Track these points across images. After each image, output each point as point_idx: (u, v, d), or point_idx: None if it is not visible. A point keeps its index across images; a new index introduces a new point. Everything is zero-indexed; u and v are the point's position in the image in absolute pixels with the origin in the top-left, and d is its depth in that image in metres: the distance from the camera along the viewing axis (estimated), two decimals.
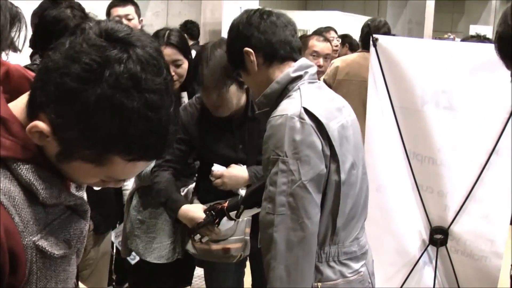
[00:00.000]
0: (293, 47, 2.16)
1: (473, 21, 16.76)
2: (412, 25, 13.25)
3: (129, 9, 4.45)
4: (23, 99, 1.04)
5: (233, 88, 2.67)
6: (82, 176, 1.06)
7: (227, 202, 2.51)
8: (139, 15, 4.48)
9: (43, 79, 0.97)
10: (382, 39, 2.75)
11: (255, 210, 2.58)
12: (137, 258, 4.07)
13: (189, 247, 3.09)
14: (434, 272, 2.92)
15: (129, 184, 3.85)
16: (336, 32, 6.37)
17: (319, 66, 4.06)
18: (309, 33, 7.44)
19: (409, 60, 2.74)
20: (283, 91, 2.10)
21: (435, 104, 2.73)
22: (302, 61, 2.15)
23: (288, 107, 2.02)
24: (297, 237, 1.98)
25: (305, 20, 15.65)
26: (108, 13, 4.49)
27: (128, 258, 3.86)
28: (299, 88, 2.08)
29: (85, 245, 3.18)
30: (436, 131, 2.76)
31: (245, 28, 2.17)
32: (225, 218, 2.54)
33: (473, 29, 12.79)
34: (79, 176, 1.07)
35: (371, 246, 2.97)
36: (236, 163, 2.69)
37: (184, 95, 3.14)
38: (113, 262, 4.29)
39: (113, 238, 3.85)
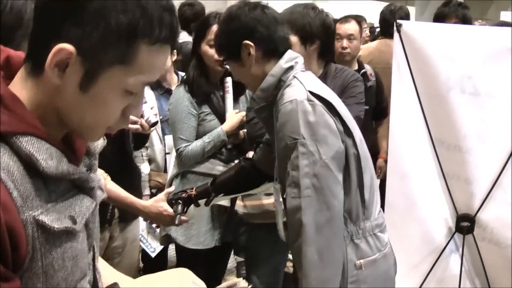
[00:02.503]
0: (289, 44, 2.20)
1: (503, 7, 16.46)
2: None
3: None
4: (19, 74, 1.06)
5: (293, 38, 2.80)
6: (105, 106, 1.06)
7: (194, 189, 2.57)
8: None
9: (44, 9, 1.01)
10: (406, 24, 2.72)
11: (224, 198, 2.64)
12: (158, 250, 4.10)
13: (239, 207, 3.14)
14: (460, 260, 2.89)
15: (145, 169, 3.87)
16: (365, 21, 6.32)
17: (342, 48, 4.02)
18: None
19: (433, 45, 2.71)
20: (278, 83, 2.13)
21: (460, 90, 2.70)
22: (290, 52, 2.18)
23: (294, 93, 2.06)
24: (325, 217, 2.00)
25: (336, 9, 15.53)
26: None
27: (147, 251, 3.90)
28: (294, 77, 2.12)
29: (111, 232, 3.21)
30: (462, 118, 2.73)
31: (248, 20, 2.16)
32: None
33: (504, 16, 12.54)
34: (100, 111, 1.07)
35: (396, 233, 2.96)
36: None
37: (229, 80, 3.17)
38: (140, 250, 4.33)
39: (143, 228, 3.89)
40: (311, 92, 2.05)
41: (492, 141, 2.72)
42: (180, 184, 3.33)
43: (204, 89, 3.28)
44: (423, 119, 2.79)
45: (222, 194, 2.64)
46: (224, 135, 3.18)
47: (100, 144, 1.23)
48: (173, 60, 3.98)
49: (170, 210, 2.57)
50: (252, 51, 2.14)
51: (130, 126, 2.82)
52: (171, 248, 4.38)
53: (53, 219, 1.03)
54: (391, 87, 2.85)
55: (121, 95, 1.06)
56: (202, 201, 2.67)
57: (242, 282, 1.74)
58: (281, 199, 2.22)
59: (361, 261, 2.10)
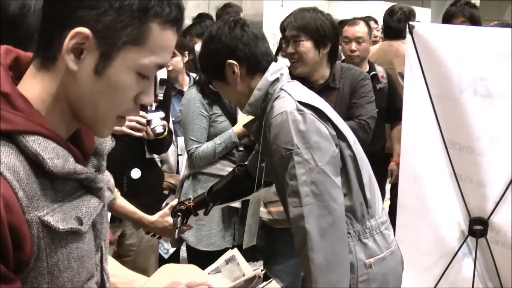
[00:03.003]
0: (272, 58, 2.23)
1: None
2: None
3: None
4: (28, 72, 1.07)
5: (307, 44, 2.80)
6: (119, 90, 1.08)
7: (192, 200, 2.60)
8: None
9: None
10: (418, 26, 2.71)
11: (221, 206, 2.66)
12: (171, 252, 4.11)
13: (263, 214, 3.17)
14: (473, 263, 2.86)
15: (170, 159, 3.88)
16: (376, 22, 6.28)
17: (351, 50, 4.01)
18: None
19: (445, 47, 2.69)
20: (266, 96, 2.16)
21: (473, 92, 2.68)
22: (274, 65, 2.21)
23: (283, 105, 2.10)
24: (328, 222, 2.02)
25: (349, 10, 15.48)
26: None
27: (161, 252, 3.91)
28: (281, 89, 2.15)
29: (123, 229, 3.22)
30: (474, 120, 2.71)
31: (229, 40, 2.19)
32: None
33: None
34: (114, 96, 1.08)
35: (408, 235, 2.95)
36: None
37: None
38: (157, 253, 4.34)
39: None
40: (299, 102, 2.09)
41: (505, 143, 2.69)
42: (191, 185, 3.34)
43: (215, 90, 3.29)
44: (435, 121, 2.78)
45: (218, 203, 2.67)
46: (235, 137, 3.19)
47: (108, 145, 1.23)
48: (185, 61, 3.99)
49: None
50: (236, 69, 2.17)
51: (133, 133, 2.85)
52: (183, 249, 4.40)
53: (59, 220, 1.03)
54: (404, 89, 2.83)
55: (135, 78, 1.07)
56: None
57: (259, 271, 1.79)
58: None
59: (371, 260, 2.13)
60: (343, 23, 4.61)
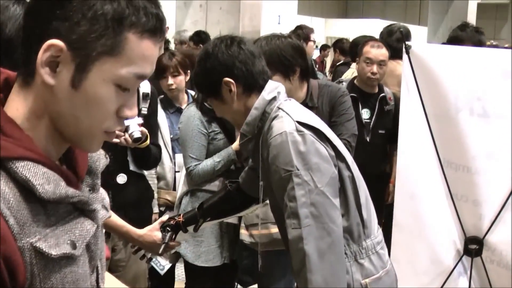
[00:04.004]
0: (268, 76, 2.21)
1: None
2: None
3: None
4: (12, 91, 1.06)
5: (275, 78, 2.76)
6: (98, 103, 1.05)
7: (182, 216, 2.59)
8: None
9: (31, 12, 1.03)
10: (415, 46, 2.73)
11: (211, 222, 2.65)
12: (167, 268, 4.10)
13: (244, 236, 3.15)
14: (468, 282, 2.87)
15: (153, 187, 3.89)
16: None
17: (372, 73, 4.02)
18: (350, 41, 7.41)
19: (442, 67, 2.72)
20: (263, 115, 2.15)
21: (469, 112, 2.70)
22: (270, 83, 2.20)
23: (282, 126, 2.09)
24: (326, 243, 2.02)
25: (345, 28, 15.62)
26: None
27: (157, 269, 3.90)
28: (279, 108, 2.14)
29: (113, 244, 3.23)
30: (471, 139, 2.72)
31: (226, 58, 2.16)
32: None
33: None
34: (94, 109, 1.06)
35: (404, 254, 2.95)
36: None
37: None
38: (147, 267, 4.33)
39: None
40: (299, 122, 2.08)
41: (501, 162, 2.71)
42: (189, 202, 3.35)
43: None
44: (431, 140, 2.79)
45: (209, 219, 2.66)
46: (234, 155, 3.20)
47: (102, 163, 1.23)
48: (187, 80, 4.01)
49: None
50: (233, 87, 2.16)
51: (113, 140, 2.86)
52: (178, 266, 4.38)
53: (51, 245, 1.02)
54: (400, 108, 2.85)
55: (114, 90, 1.05)
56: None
57: None
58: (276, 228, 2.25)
59: (367, 280, 2.13)
60: (359, 41, 4.60)
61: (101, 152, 1.23)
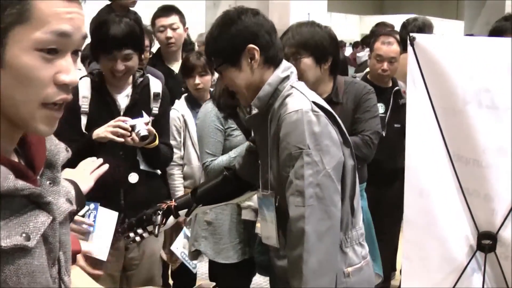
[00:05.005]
0: (282, 53, 2.22)
1: None
2: (491, 26, 12.79)
3: (173, 19, 4.55)
4: None
5: (307, 61, 2.80)
6: (28, 75, 1.03)
7: (174, 200, 2.59)
8: (184, 24, 4.55)
9: None
10: (419, 38, 2.66)
11: (204, 208, 2.67)
12: (198, 267, 4.17)
13: (259, 230, 3.18)
14: (482, 279, 2.79)
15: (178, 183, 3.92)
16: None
17: (383, 70, 3.98)
18: None
19: (448, 59, 2.64)
20: (275, 92, 2.15)
21: (477, 104, 2.62)
22: (285, 62, 2.21)
23: (298, 103, 2.10)
24: (326, 226, 2.05)
25: (373, 23, 15.43)
26: (153, 24, 4.58)
27: (190, 267, 3.96)
28: (293, 87, 2.13)
29: (126, 242, 3.30)
30: (480, 132, 2.65)
31: (253, 25, 2.15)
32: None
33: None
34: (27, 83, 1.04)
35: (417, 251, 2.90)
36: None
37: None
38: (170, 268, 4.37)
39: (174, 249, 3.95)
40: (314, 103, 2.09)
41: None
42: None
43: (230, 104, 3.33)
44: (440, 134, 2.72)
45: (201, 205, 2.67)
46: None
47: (62, 156, 1.24)
48: (212, 80, 4.05)
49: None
50: (257, 55, 2.16)
51: (117, 139, 2.89)
52: (200, 264, 4.42)
53: (2, 237, 1.03)
54: (406, 102, 2.79)
55: (38, 57, 1.04)
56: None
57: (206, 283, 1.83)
58: (273, 207, 2.24)
59: (349, 269, 2.16)
60: (373, 34, 4.58)
61: (62, 146, 1.24)
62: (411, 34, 2.66)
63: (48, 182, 1.18)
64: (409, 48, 2.67)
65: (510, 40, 2.58)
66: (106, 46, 3.04)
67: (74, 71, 1.09)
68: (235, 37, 2.16)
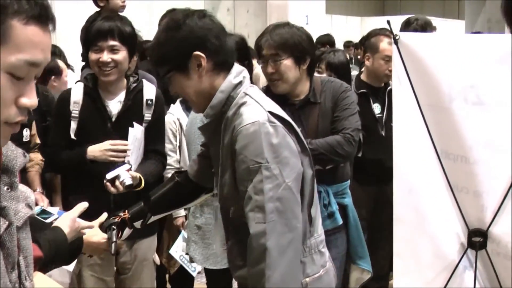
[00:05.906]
0: (235, 57, 2.15)
1: None
2: (492, 24, 12.79)
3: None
4: None
5: (288, 62, 2.78)
6: None
7: (127, 212, 2.51)
8: None
9: None
10: (404, 36, 2.67)
11: (158, 216, 2.60)
12: (198, 269, 4.16)
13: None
14: (474, 276, 2.77)
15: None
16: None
17: (389, 70, 3.97)
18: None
19: (433, 56, 2.64)
20: (228, 100, 2.08)
21: (463, 100, 2.62)
22: (236, 66, 2.12)
23: (254, 114, 2.01)
24: (287, 239, 1.99)
25: (382, 26, 15.39)
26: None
27: (189, 271, 3.96)
28: (246, 94, 2.07)
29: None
30: (467, 129, 2.64)
31: (200, 29, 2.04)
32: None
33: None
34: None
35: (407, 249, 2.89)
36: None
37: None
38: (169, 272, 4.37)
39: (173, 252, 3.96)
40: (270, 113, 2.03)
41: (501, 150, 2.61)
42: (197, 206, 3.38)
43: None
44: (426, 131, 2.72)
45: (157, 212, 2.61)
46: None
47: (19, 161, 1.24)
48: None
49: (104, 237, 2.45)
50: (204, 62, 2.05)
51: (116, 160, 2.91)
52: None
53: None
54: (393, 100, 2.79)
55: (7, 79, 1.06)
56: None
57: None
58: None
59: (307, 279, 2.09)
60: (369, 35, 4.58)
61: (19, 151, 1.25)
62: (394, 33, 2.66)
63: (5, 188, 1.18)
64: (394, 46, 2.67)
65: (498, 36, 2.58)
66: (92, 38, 3.08)
67: (35, 95, 1.13)
68: (180, 43, 2.05)
